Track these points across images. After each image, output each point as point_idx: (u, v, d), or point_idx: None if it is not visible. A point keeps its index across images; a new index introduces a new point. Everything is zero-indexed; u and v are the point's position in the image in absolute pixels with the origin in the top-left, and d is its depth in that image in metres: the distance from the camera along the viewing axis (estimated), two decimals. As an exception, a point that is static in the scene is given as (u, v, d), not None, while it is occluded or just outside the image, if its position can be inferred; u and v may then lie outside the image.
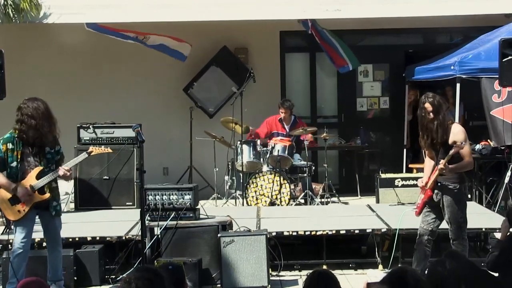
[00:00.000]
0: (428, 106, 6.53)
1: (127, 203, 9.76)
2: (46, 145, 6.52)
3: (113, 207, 9.71)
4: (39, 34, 11.35)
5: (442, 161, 6.39)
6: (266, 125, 10.90)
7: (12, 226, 6.78)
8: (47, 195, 6.56)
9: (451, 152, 6.37)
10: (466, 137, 6.53)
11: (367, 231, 7.75)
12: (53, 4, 10.16)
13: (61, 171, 6.53)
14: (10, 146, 6.42)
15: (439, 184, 6.56)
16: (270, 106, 11.37)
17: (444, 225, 8.07)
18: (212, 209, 8.70)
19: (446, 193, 6.54)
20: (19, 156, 6.44)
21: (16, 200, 6.47)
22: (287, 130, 10.76)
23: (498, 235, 6.69)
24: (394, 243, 7.47)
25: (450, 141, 6.47)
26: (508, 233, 5.76)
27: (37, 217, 6.68)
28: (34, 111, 6.36)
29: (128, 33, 10.64)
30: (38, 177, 6.50)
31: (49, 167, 6.56)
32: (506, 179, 9.08)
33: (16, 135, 6.43)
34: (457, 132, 6.49)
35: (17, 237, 6.51)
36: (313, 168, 10.68)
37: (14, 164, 6.44)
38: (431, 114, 6.52)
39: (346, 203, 10.68)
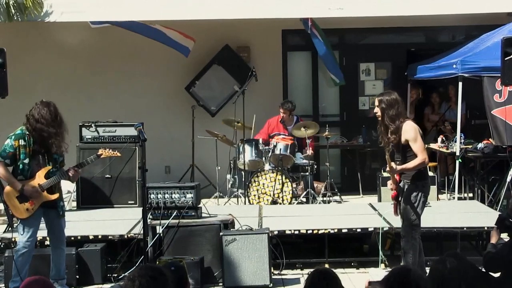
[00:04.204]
0: (375, 103, 6.58)
1: (129, 202, 9.76)
2: (52, 147, 6.55)
3: (115, 205, 9.71)
4: (41, 32, 11.34)
5: (388, 165, 6.41)
6: (267, 126, 10.89)
7: (16, 225, 6.80)
8: (56, 195, 6.60)
9: (386, 156, 6.41)
10: (417, 135, 6.46)
11: (369, 229, 7.74)
12: (55, 3, 10.15)
13: (72, 171, 6.59)
14: (22, 142, 6.47)
15: (401, 182, 6.58)
16: (272, 104, 11.36)
17: (445, 223, 8.10)
18: (214, 208, 8.70)
19: (404, 190, 6.58)
20: (31, 153, 6.48)
21: (24, 198, 6.49)
22: (289, 131, 10.75)
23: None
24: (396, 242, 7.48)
25: (402, 139, 6.46)
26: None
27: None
28: (40, 116, 6.41)
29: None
30: (47, 176, 6.53)
31: (56, 167, 6.61)
32: (508, 178, 9.06)
33: (27, 132, 6.48)
34: (406, 130, 6.45)
35: (23, 237, 6.52)
36: (315, 166, 10.66)
37: (27, 160, 6.49)
38: (378, 113, 6.54)
39: (348, 202, 10.69)
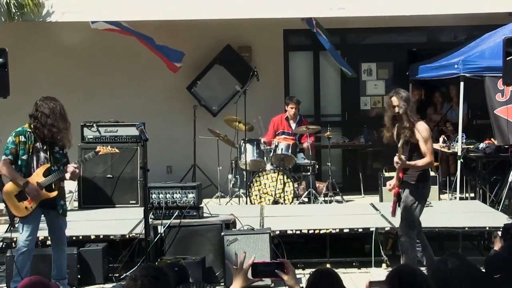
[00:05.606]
0: (394, 100, 6.56)
1: (131, 202, 9.77)
2: (57, 144, 6.56)
3: (116, 205, 9.73)
4: (42, 32, 11.33)
5: (397, 155, 6.43)
6: (272, 125, 10.88)
7: (17, 224, 6.80)
8: (55, 193, 6.60)
9: (400, 143, 6.41)
10: (429, 136, 6.57)
11: (371, 229, 7.74)
12: (56, 3, 10.16)
13: (70, 168, 6.58)
14: (22, 138, 6.51)
15: (402, 181, 6.61)
16: (274, 104, 11.36)
17: (447, 223, 8.09)
18: (216, 208, 8.71)
19: (405, 189, 6.62)
20: (30, 150, 6.50)
21: (23, 197, 6.49)
22: (293, 129, 10.74)
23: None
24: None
25: (414, 138, 6.50)
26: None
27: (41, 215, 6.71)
28: (50, 111, 6.42)
29: (128, 34, 10.63)
30: (45, 174, 6.54)
31: (58, 166, 6.61)
32: (510, 178, 9.06)
33: (28, 129, 6.49)
34: (420, 130, 6.52)
35: (22, 235, 6.53)
36: (317, 166, 10.65)
37: (25, 157, 6.51)
38: (396, 109, 6.55)
39: (349, 202, 10.68)
